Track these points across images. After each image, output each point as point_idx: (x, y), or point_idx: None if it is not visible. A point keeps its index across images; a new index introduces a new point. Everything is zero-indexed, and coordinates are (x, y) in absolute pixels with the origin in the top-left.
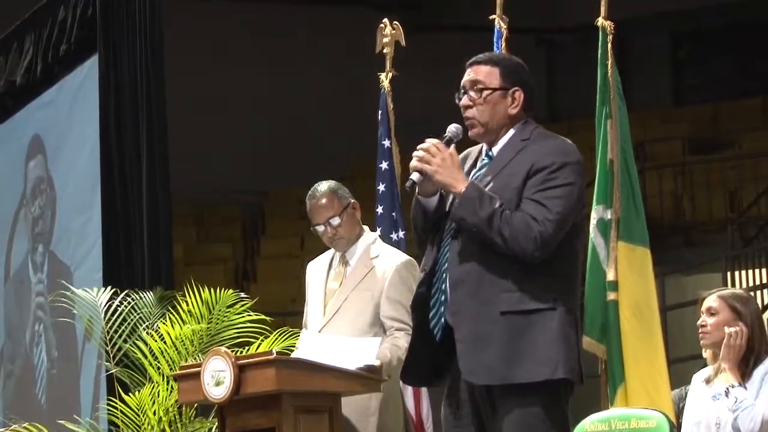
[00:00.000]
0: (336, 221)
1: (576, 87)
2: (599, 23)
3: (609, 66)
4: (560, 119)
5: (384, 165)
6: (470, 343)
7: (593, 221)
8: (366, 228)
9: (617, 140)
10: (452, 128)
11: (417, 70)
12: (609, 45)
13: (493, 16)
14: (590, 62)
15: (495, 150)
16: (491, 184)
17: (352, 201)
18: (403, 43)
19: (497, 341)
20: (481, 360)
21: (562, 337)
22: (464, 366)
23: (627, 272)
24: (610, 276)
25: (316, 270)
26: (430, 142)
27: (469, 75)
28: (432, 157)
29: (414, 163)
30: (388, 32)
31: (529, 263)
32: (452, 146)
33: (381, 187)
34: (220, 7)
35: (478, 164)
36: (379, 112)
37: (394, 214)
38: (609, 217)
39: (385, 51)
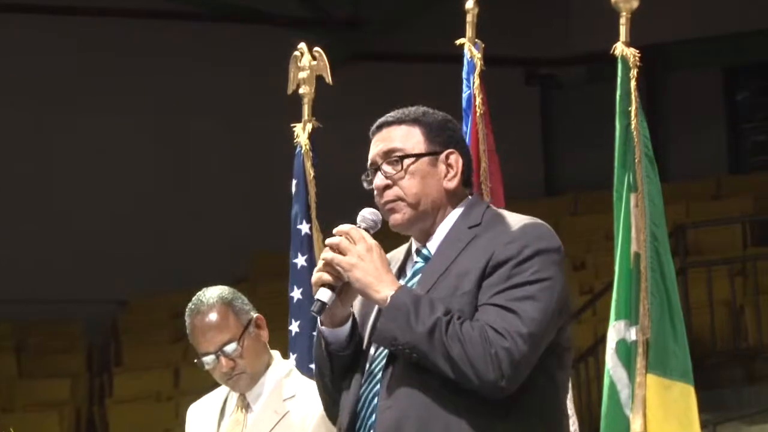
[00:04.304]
0: (233, 348)
1: (583, 144)
2: (618, 51)
3: (633, 114)
4: (560, 191)
5: (300, 260)
6: None
7: (611, 344)
8: (276, 354)
9: (645, 224)
10: (367, 215)
11: (350, 119)
12: (633, 83)
13: (462, 40)
14: (604, 108)
15: (432, 246)
16: (431, 293)
17: (255, 316)
18: (329, 79)
19: None
20: None
21: None
22: None
23: (661, 419)
24: (636, 426)
25: (201, 418)
26: (347, 227)
27: (378, 145)
28: (352, 244)
29: (318, 272)
30: (307, 63)
31: (495, 399)
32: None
33: (296, 294)
34: (43, 26)
35: (409, 271)
36: (294, 181)
37: (315, 333)
38: (633, 338)
39: (301, 91)
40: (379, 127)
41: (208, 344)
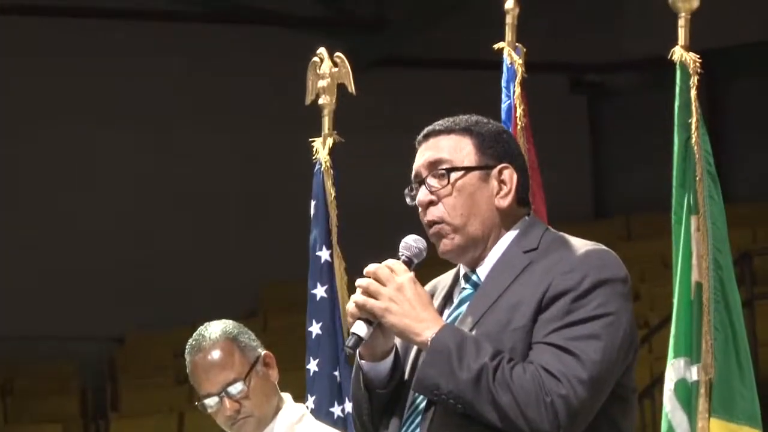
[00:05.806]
0: (238, 388)
1: (637, 160)
2: (676, 56)
3: (693, 127)
4: (610, 213)
5: (320, 291)
6: None
7: (669, 385)
8: (287, 397)
9: (708, 250)
10: (411, 242)
11: (375, 132)
12: (693, 93)
13: (501, 45)
14: (660, 120)
15: (482, 271)
16: (479, 327)
17: (264, 353)
18: (352, 88)
19: None
20: None
21: None
22: None
23: None
24: None
25: None
26: (374, 267)
27: (423, 155)
28: (382, 285)
29: (352, 306)
30: (327, 70)
31: None
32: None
33: (315, 328)
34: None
35: (456, 299)
36: (312, 202)
37: (337, 372)
38: (695, 377)
39: (321, 101)
40: (426, 137)
41: (211, 384)
